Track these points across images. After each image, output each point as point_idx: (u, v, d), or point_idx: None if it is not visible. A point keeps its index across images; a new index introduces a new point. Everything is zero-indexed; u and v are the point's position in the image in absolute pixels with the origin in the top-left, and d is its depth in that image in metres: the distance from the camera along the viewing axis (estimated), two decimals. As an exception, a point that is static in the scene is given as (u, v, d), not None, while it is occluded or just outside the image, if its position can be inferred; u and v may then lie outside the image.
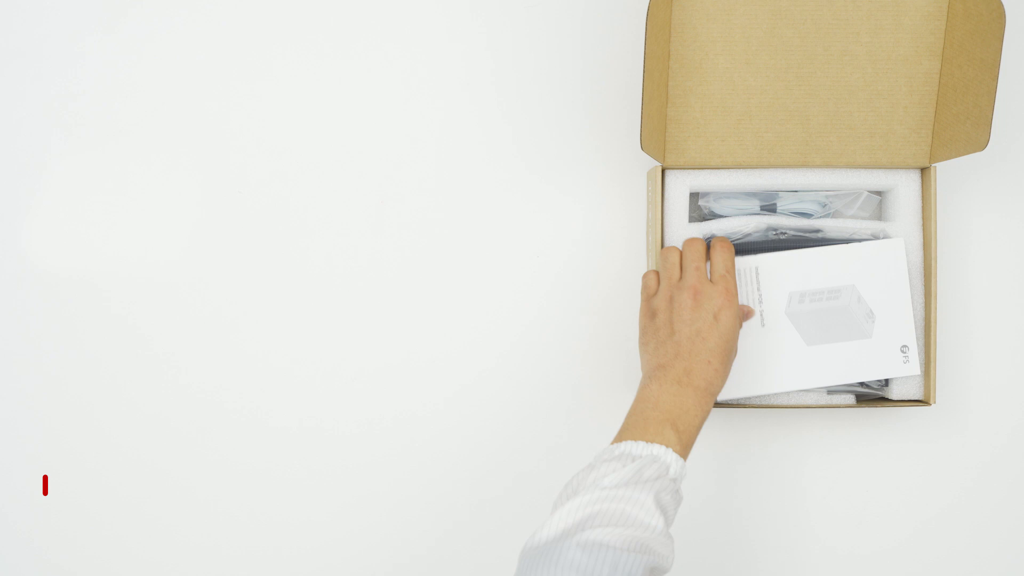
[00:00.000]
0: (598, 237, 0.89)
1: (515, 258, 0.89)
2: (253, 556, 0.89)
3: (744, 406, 0.83)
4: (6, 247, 0.90)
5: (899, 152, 0.83)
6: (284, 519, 0.89)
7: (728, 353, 0.74)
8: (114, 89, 0.90)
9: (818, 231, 0.84)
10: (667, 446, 0.69)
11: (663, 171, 0.84)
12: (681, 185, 0.84)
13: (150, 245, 0.90)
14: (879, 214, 0.86)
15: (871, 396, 0.84)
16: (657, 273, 0.81)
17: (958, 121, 0.79)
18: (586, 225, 0.89)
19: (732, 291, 0.76)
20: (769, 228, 0.84)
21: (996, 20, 0.74)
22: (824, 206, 0.84)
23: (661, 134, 0.82)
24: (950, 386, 0.88)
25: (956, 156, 0.79)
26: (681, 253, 0.79)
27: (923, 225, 0.84)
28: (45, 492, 0.89)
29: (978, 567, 0.89)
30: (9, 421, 0.89)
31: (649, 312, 0.78)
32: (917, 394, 0.83)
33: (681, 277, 0.78)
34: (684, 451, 0.70)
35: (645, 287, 0.81)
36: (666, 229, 0.84)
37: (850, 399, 0.84)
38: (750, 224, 0.84)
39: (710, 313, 0.74)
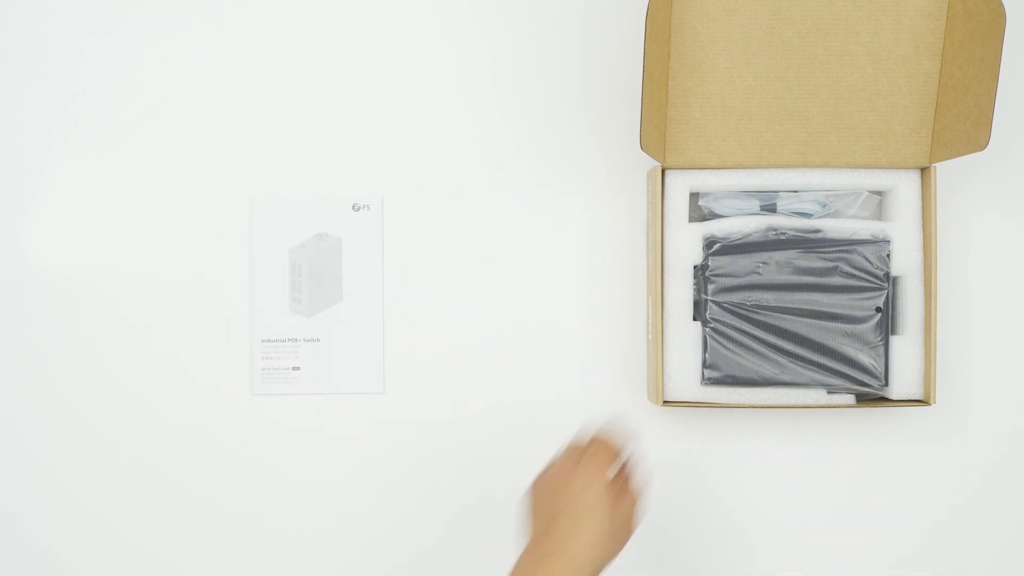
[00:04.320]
0: (598, 237, 0.89)
1: (514, 257, 0.89)
2: (254, 553, 0.89)
3: (744, 406, 0.83)
4: (6, 247, 0.90)
5: (899, 152, 0.83)
6: (285, 517, 0.89)
7: (587, 539, 0.66)
8: (114, 89, 0.90)
9: (818, 231, 0.84)
10: None
11: (663, 171, 0.84)
12: (681, 185, 0.84)
13: (150, 245, 0.90)
14: (879, 214, 0.86)
15: (871, 396, 0.84)
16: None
17: (958, 121, 0.79)
18: (586, 225, 0.89)
19: (595, 473, 0.68)
20: (769, 228, 0.84)
21: (996, 20, 0.74)
22: (824, 206, 0.84)
23: (661, 134, 0.82)
24: (950, 386, 0.88)
25: (956, 156, 0.79)
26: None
27: (923, 225, 0.84)
28: None
29: (979, 567, 0.89)
30: (9, 420, 0.89)
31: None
32: (917, 394, 0.83)
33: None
34: None
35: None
36: (666, 229, 0.84)
37: (850, 399, 0.84)
38: (750, 224, 0.84)
39: (565, 497, 0.68)
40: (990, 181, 0.89)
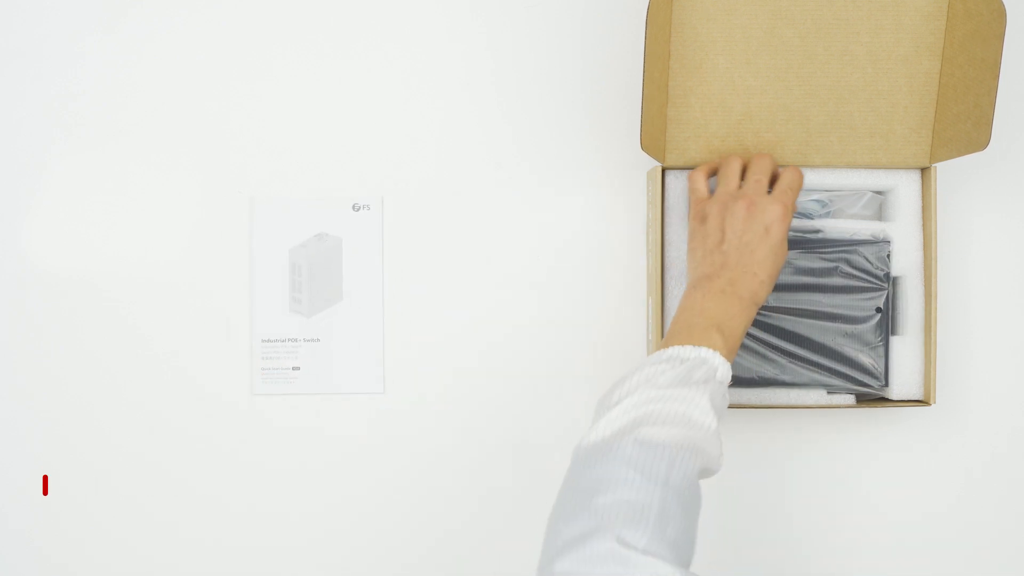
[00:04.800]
0: (598, 237, 0.89)
1: (515, 257, 0.89)
2: (253, 554, 0.89)
3: (744, 406, 0.83)
4: (6, 247, 0.90)
5: (899, 152, 0.83)
6: (285, 517, 0.89)
7: (776, 266, 0.74)
8: (114, 89, 0.90)
9: (818, 231, 0.84)
10: (714, 350, 0.69)
11: (663, 171, 0.84)
12: (681, 185, 0.84)
13: (150, 245, 0.90)
14: (880, 214, 0.86)
15: (871, 396, 0.84)
16: (707, 172, 0.81)
17: (958, 121, 0.79)
18: (586, 225, 0.89)
19: (789, 207, 0.75)
20: (769, 228, 0.84)
21: (996, 20, 0.74)
22: (825, 206, 0.84)
23: (661, 134, 0.82)
24: (950, 386, 0.88)
25: (956, 156, 0.79)
26: (745, 164, 0.79)
27: (923, 225, 0.84)
28: (45, 492, 0.89)
29: (978, 567, 0.89)
30: (9, 421, 0.89)
31: (700, 216, 0.78)
32: (917, 394, 0.83)
33: (740, 187, 0.77)
34: (729, 355, 0.71)
35: (694, 189, 0.80)
36: (666, 229, 0.84)
37: (850, 399, 0.84)
38: (750, 224, 0.84)
39: (762, 225, 0.74)
40: (990, 181, 0.89)
